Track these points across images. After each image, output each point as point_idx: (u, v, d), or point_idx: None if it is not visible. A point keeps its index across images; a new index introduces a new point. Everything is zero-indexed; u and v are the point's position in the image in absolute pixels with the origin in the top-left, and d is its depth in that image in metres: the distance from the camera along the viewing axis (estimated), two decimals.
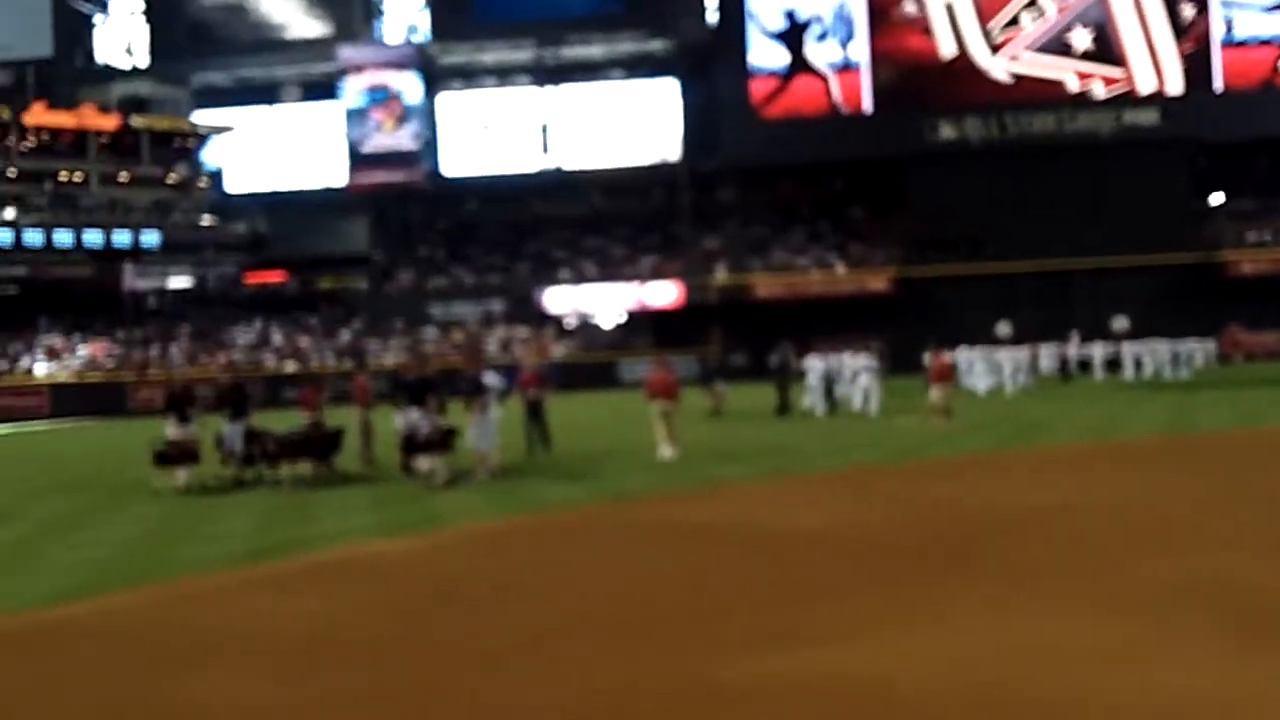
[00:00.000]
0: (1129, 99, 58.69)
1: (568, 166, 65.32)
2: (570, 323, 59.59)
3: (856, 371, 32.56)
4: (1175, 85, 58.71)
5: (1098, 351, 46.00)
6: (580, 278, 61.06)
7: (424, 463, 18.91)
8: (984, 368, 39.74)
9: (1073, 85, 59.22)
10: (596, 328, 59.54)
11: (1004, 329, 50.95)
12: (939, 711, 6.53)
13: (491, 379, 20.29)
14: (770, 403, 32.22)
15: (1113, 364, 44.84)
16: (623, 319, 59.43)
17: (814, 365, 32.86)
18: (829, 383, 32.20)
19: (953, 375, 27.77)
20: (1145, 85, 58.77)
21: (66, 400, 50.51)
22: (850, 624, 8.63)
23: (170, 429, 19.87)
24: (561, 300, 59.81)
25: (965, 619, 8.62)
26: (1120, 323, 50.89)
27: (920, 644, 7.96)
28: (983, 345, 42.37)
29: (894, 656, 7.66)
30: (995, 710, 6.49)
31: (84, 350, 55.06)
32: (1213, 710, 6.41)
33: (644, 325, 58.48)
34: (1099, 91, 59.02)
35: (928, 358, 28.53)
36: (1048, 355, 45.68)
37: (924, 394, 27.45)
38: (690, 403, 30.69)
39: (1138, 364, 43.06)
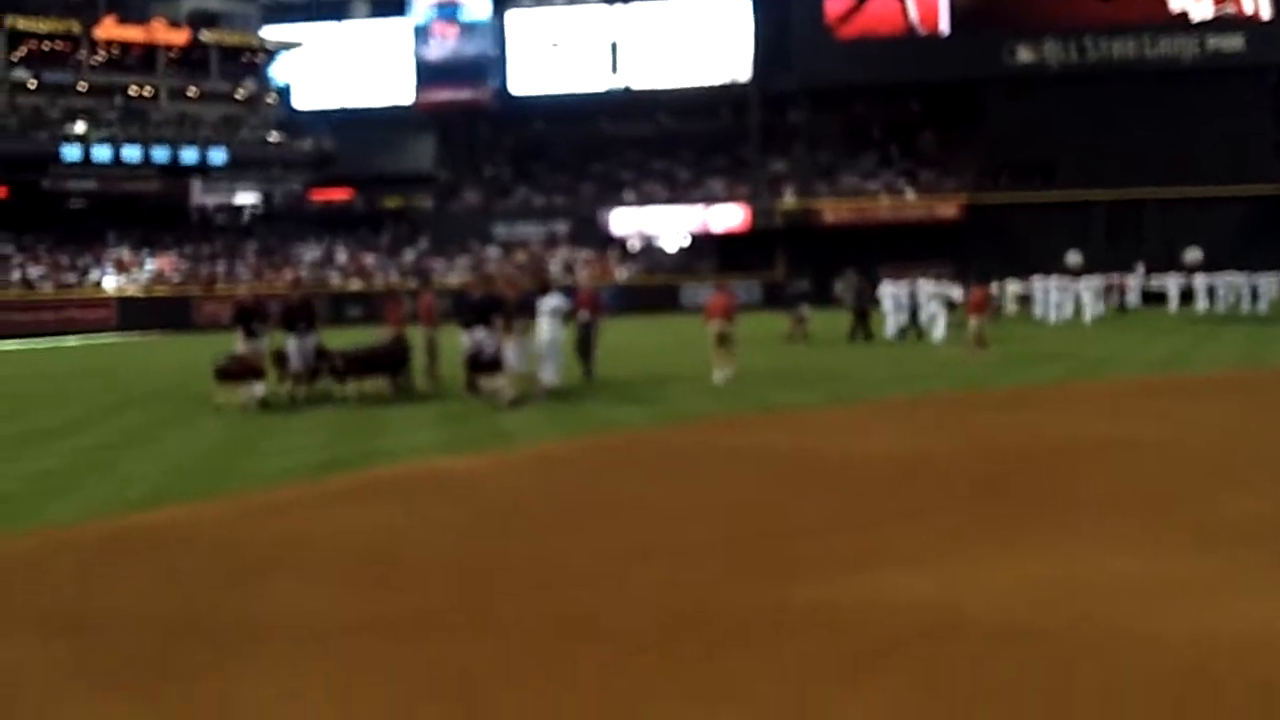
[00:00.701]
0: (1214, 24, 56.93)
1: (636, 86, 64.63)
2: (634, 245, 59.41)
3: (929, 298, 32.44)
4: (1265, 10, 56.80)
5: (1171, 283, 45.18)
6: (646, 199, 60.76)
7: (489, 382, 18.99)
8: (1057, 298, 39.33)
9: (1175, 3, 57.07)
10: (660, 250, 59.34)
11: (1074, 258, 50.09)
12: (1009, 637, 6.48)
13: (556, 300, 20.27)
14: (840, 328, 32.00)
15: (1186, 297, 44.07)
16: (686, 242, 59.15)
17: (891, 291, 32.69)
18: (913, 309, 32.11)
19: (988, 306, 27.63)
20: (1247, 6, 56.66)
21: (134, 314, 51.21)
22: (920, 550, 8.57)
23: (239, 344, 19.90)
24: (626, 222, 59.60)
25: (1035, 548, 8.54)
26: (1193, 255, 49.82)
27: (991, 571, 7.89)
28: (1055, 275, 41.83)
29: (964, 583, 7.60)
30: (1063, 638, 6.42)
31: (151, 264, 55.74)
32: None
33: (708, 249, 58.17)
34: (1203, 11, 56.75)
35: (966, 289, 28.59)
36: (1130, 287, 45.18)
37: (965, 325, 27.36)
38: (768, 327, 30.58)
39: (1211, 297, 42.30)
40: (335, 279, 55.50)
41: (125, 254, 56.07)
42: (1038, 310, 40.49)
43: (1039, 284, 40.84)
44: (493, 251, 58.22)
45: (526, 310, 19.92)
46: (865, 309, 31.93)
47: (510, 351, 18.94)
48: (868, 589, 7.56)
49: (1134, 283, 46.31)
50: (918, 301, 32.66)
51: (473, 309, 20.33)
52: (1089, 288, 39.66)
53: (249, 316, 20.18)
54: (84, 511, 10.87)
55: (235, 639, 6.81)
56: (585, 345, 22.47)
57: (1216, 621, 6.69)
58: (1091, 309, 38.84)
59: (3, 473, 13.30)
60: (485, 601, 7.56)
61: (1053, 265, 44.14)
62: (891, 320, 32.38)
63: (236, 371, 19.23)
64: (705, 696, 5.67)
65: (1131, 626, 6.62)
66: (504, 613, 7.29)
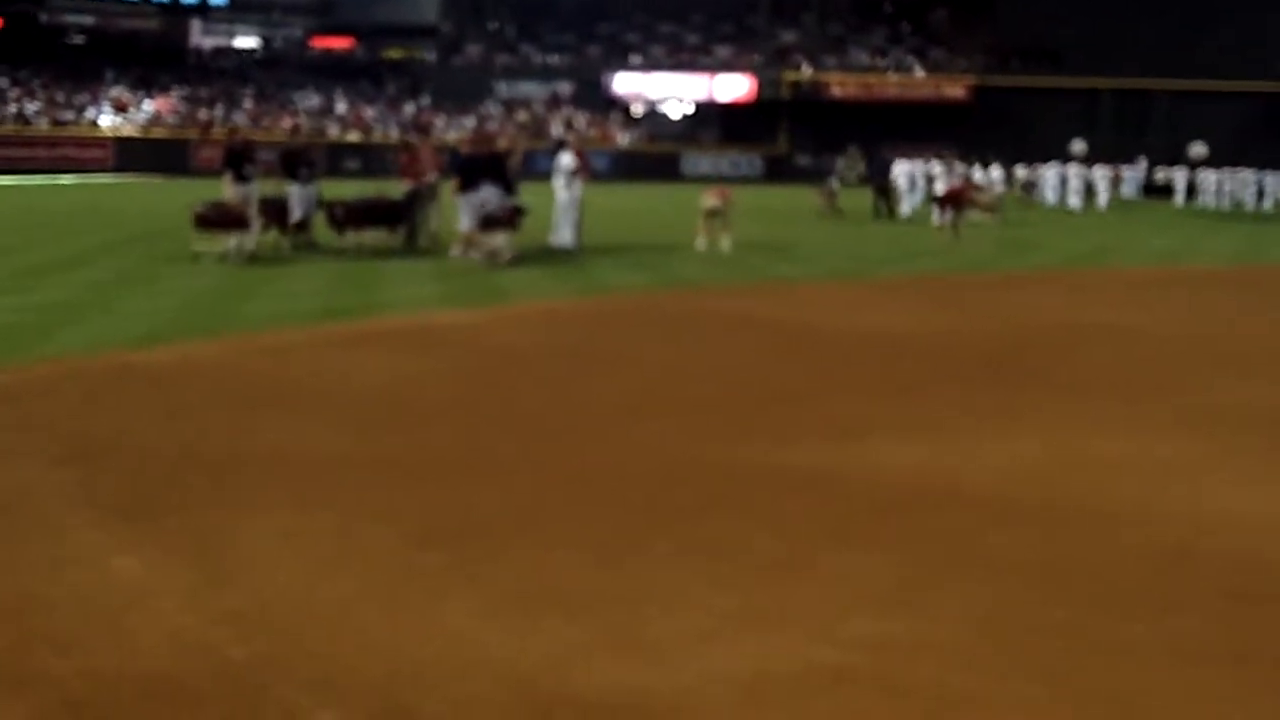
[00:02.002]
0: None
1: None
2: (637, 110, 58.69)
3: (933, 179, 32.34)
4: None
5: (1178, 177, 44.93)
6: (651, 64, 59.84)
7: (489, 239, 18.91)
8: (1075, 184, 39.41)
9: None
10: (664, 117, 58.65)
11: (1078, 146, 49.70)
12: (1002, 508, 6.59)
13: (569, 159, 20.29)
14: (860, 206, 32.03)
15: (1190, 191, 43.89)
16: (690, 110, 58.45)
17: (905, 170, 32.61)
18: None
19: (966, 200, 27.28)
20: None
21: (130, 155, 50.62)
22: (917, 423, 8.66)
23: (226, 188, 18.85)
24: (630, 86, 58.78)
25: (1031, 426, 8.64)
26: (1198, 149, 49.41)
27: (987, 445, 8.00)
28: (1058, 161, 41.67)
29: (960, 455, 7.70)
30: (1055, 512, 6.54)
31: (149, 105, 54.99)
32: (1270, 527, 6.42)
33: (711, 118, 57.54)
34: None
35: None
36: (1129, 178, 44.88)
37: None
38: (768, 201, 30.41)
39: (1217, 192, 42.14)
40: (333, 130, 54.86)
41: (123, 93, 55.28)
42: (1049, 196, 40.43)
43: (1050, 170, 40.74)
44: (492, 109, 57.48)
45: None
46: (885, 185, 32.02)
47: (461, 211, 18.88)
48: (864, 455, 7.66)
49: (1129, 174, 46.04)
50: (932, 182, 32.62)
51: (475, 167, 20.15)
52: (1103, 176, 39.58)
53: (239, 159, 19.05)
54: (87, 345, 10.92)
55: (237, 474, 6.90)
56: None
57: (1206, 502, 6.81)
58: (1104, 196, 38.81)
59: (6, 304, 13.31)
60: (487, 448, 7.65)
61: (1057, 152, 43.80)
62: (906, 201, 32.39)
63: (216, 220, 18.13)
64: (701, 549, 5.78)
65: (1122, 504, 6.74)
66: (506, 460, 7.38)
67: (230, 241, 17.93)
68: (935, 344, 12.31)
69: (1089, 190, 39.72)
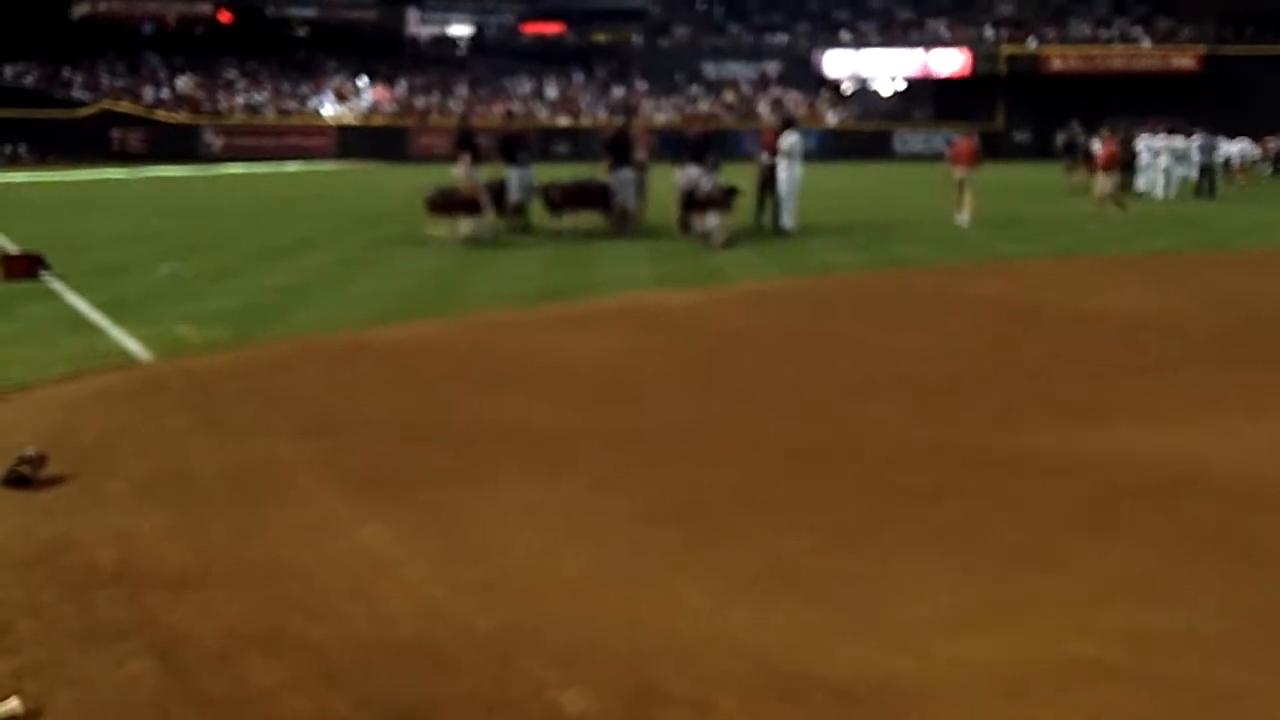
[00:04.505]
0: None
1: None
2: (847, 88, 57.88)
3: (1157, 152, 31.08)
4: None
5: None
6: (862, 41, 58.90)
7: (703, 221, 18.89)
8: None
9: None
10: (875, 95, 57.70)
11: None
12: (1259, 498, 6.20)
13: (794, 138, 20.34)
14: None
15: None
16: (902, 87, 57.33)
17: (1154, 145, 31.50)
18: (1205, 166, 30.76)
19: (1120, 164, 25.60)
20: None
21: (352, 142, 52.55)
22: (1158, 405, 8.25)
23: (461, 170, 19.05)
24: (840, 64, 57.99)
25: None
26: None
27: (1238, 431, 7.55)
28: None
29: (1209, 441, 7.28)
30: None
31: (369, 94, 56.87)
32: None
33: (924, 95, 56.41)
34: None
35: (1098, 143, 27.13)
36: None
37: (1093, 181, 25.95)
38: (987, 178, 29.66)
39: None
40: (544, 114, 55.73)
41: (344, 83, 57.28)
42: None
43: None
44: (696, 91, 57.43)
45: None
46: (1131, 162, 30.91)
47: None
48: (1105, 440, 7.31)
49: None
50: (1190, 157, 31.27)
51: (689, 146, 20.19)
52: None
53: (474, 143, 19.24)
54: (321, 325, 11.31)
55: (473, 447, 7.01)
56: (772, 188, 21.05)
57: None
58: None
59: (247, 286, 13.92)
60: (713, 426, 7.60)
61: None
62: (1142, 178, 31.32)
63: (444, 204, 18.50)
64: (940, 534, 5.60)
65: None
66: (733, 438, 7.31)
67: (462, 225, 18.27)
68: (1171, 323, 11.74)
69: None
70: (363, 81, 56.10)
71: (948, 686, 4.07)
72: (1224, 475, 6.57)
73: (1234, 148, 34.57)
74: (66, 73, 52.52)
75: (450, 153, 20.34)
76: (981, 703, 3.98)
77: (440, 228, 18.43)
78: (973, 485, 6.41)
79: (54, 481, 6.25)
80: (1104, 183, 24.69)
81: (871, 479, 6.53)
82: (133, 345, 10.10)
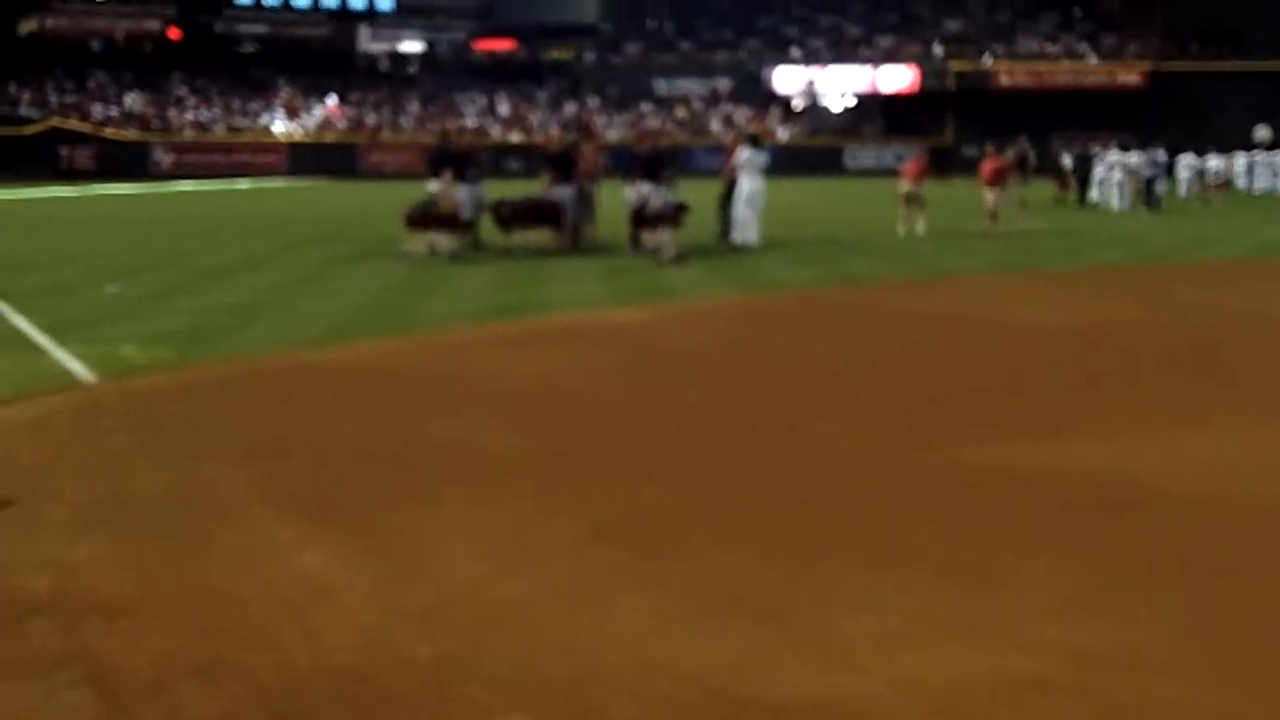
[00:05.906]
0: None
1: None
2: (798, 104, 58.23)
3: (1111, 166, 31.72)
4: None
5: None
6: (811, 58, 59.30)
7: (652, 237, 18.90)
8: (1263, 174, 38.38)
9: None
10: (825, 111, 58.07)
11: (1262, 133, 47.60)
12: (1196, 512, 6.26)
13: (750, 153, 20.43)
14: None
15: None
16: (852, 103, 57.75)
17: (1112, 159, 32.10)
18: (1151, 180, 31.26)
19: (1004, 179, 24.54)
20: None
21: (302, 159, 52.24)
22: (1099, 420, 8.32)
23: (441, 186, 19.06)
24: (790, 80, 58.35)
25: (1224, 425, 8.21)
26: None
27: (1177, 445, 7.62)
28: (1240, 150, 40.25)
29: (1148, 456, 7.35)
30: (1254, 516, 6.18)
31: (319, 110, 56.61)
32: None
33: (874, 110, 56.82)
34: None
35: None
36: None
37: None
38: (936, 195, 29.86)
39: None
40: (496, 131, 55.67)
41: (295, 99, 56.96)
42: (1239, 184, 39.18)
43: (1241, 160, 39.62)
44: (647, 107, 57.58)
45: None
46: (1087, 175, 31.95)
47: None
48: (1045, 455, 7.37)
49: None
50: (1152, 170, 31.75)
51: (639, 163, 20.21)
52: None
53: (455, 160, 19.50)
54: (267, 345, 11.22)
55: (416, 470, 6.96)
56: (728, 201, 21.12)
57: None
58: None
59: (194, 305, 13.79)
60: (660, 446, 7.59)
61: (1238, 140, 42.02)
62: (1108, 189, 32.03)
63: (423, 220, 18.52)
64: (887, 551, 5.61)
65: None
66: (680, 457, 7.31)
67: (443, 241, 18.36)
68: (1113, 338, 11.86)
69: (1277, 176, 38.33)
70: (332, 100, 55.79)
71: (887, 704, 4.08)
72: (1166, 490, 6.63)
73: (1211, 162, 34.95)
74: (13, 89, 51.97)
75: (428, 169, 20.25)
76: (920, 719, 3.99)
77: (417, 243, 18.49)
78: (918, 502, 6.44)
79: None
80: (988, 197, 23.76)
81: (818, 497, 6.55)
82: (76, 366, 9.98)
